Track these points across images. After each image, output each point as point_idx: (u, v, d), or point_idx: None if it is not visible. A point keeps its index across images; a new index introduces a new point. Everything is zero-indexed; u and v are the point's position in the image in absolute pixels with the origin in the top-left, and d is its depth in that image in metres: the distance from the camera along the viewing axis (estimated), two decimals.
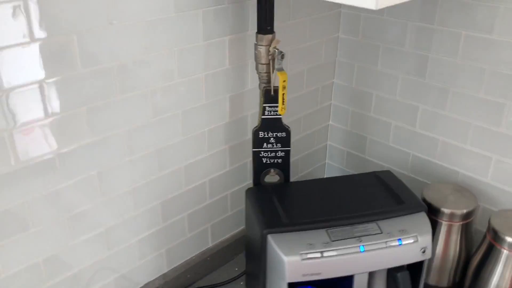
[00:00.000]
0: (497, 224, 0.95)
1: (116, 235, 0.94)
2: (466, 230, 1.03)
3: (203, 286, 1.11)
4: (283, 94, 0.96)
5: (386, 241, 0.86)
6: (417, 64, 1.10)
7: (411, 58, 1.10)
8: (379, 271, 0.93)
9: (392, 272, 0.88)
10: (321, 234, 0.86)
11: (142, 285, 1.04)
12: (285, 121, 0.98)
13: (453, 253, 1.03)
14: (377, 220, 0.89)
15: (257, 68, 0.97)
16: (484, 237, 0.99)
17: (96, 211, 0.89)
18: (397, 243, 0.86)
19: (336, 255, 0.84)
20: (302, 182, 1.04)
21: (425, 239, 0.88)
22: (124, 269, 0.99)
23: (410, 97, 1.14)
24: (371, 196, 0.96)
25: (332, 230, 0.87)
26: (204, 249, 1.14)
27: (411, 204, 0.93)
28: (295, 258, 0.83)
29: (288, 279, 0.84)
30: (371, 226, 0.88)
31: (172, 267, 1.09)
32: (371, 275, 0.95)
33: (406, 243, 0.86)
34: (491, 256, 0.96)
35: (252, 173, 1.03)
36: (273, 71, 0.96)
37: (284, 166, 1.04)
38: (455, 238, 1.02)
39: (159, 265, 1.06)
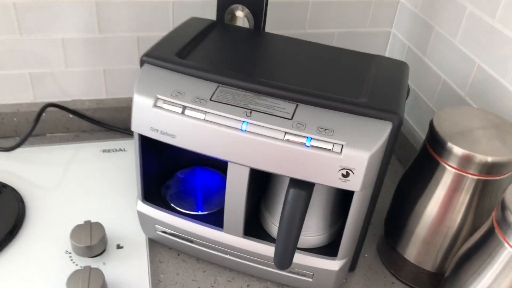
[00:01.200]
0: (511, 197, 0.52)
1: (28, 18, 0.78)
2: (488, 192, 0.61)
3: None
4: None
5: (287, 132, 0.53)
6: None
7: None
8: (281, 179, 0.61)
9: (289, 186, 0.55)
10: (206, 88, 0.57)
11: (69, 99, 0.88)
12: None
13: (454, 222, 0.63)
14: (303, 103, 0.55)
15: None
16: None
17: None
18: (303, 141, 0.52)
19: (202, 120, 0.54)
20: (276, 35, 0.71)
21: (357, 156, 0.51)
22: (45, 67, 0.83)
23: None
24: (341, 79, 0.60)
25: (226, 89, 0.57)
26: None
27: (382, 106, 0.55)
28: (147, 101, 0.56)
29: (134, 126, 0.58)
30: (285, 106, 0.55)
31: (113, 97, 0.90)
32: (274, 182, 0.63)
33: (318, 147, 0.52)
34: (488, 246, 0.54)
35: (216, 4, 0.74)
36: None
37: (256, 6, 0.73)
38: (466, 199, 0.61)
39: (95, 86, 0.88)
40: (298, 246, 0.61)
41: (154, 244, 0.72)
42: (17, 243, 0.70)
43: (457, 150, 0.58)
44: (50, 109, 0.86)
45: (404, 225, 0.67)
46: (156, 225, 0.67)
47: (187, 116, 0.55)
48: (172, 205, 0.67)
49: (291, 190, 0.53)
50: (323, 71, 0.61)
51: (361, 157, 0.51)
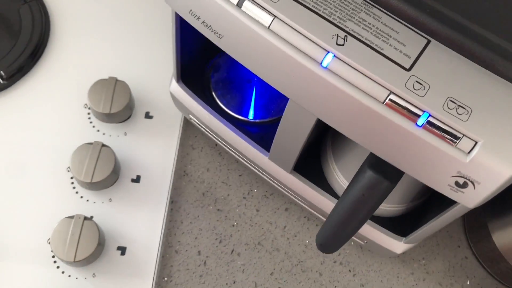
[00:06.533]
0: None
1: None
2: None
3: None
4: None
5: (393, 93, 0.31)
6: None
7: None
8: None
9: (369, 162, 0.36)
10: None
11: None
12: None
13: None
14: (441, 41, 0.32)
15: None
16: None
17: None
18: (415, 116, 0.31)
19: (264, 28, 0.33)
20: None
21: (493, 168, 0.30)
22: None
23: None
24: None
25: None
26: None
27: None
28: None
29: (175, 4, 0.38)
30: (407, 39, 0.32)
31: None
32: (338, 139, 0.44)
33: (435, 132, 0.31)
34: None
35: None
36: None
37: None
38: None
39: None
40: None
41: (191, 124, 0.57)
42: (37, 72, 0.58)
43: None
44: None
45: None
46: (190, 116, 0.52)
47: (245, 14, 0.34)
48: (214, 95, 0.50)
49: (369, 173, 0.35)
50: None
51: (499, 172, 0.31)
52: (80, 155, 0.50)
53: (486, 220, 0.52)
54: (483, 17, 0.33)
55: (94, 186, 0.51)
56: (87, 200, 0.52)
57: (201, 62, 0.51)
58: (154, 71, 0.58)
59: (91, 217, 0.51)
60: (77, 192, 0.52)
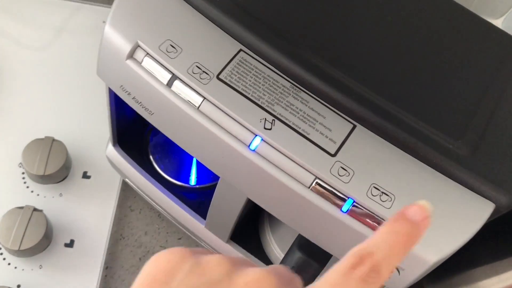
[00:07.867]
0: None
1: None
2: None
3: None
4: None
5: (318, 178, 0.32)
6: None
7: None
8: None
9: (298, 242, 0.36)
10: (219, 49, 0.34)
11: None
12: None
13: None
14: (365, 126, 0.33)
15: None
16: None
17: None
18: (340, 201, 0.32)
19: (194, 108, 0.33)
20: None
21: (415, 256, 0.31)
22: None
23: None
24: (451, 90, 0.36)
25: (250, 61, 0.34)
26: None
27: (491, 170, 0.33)
28: (121, 45, 0.34)
29: (100, 72, 0.38)
30: (333, 124, 0.33)
31: None
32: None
33: (359, 218, 0.31)
34: None
35: None
36: None
37: None
38: None
39: None
40: None
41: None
42: None
43: None
44: None
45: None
46: (126, 179, 0.50)
47: (175, 94, 0.33)
48: (151, 158, 0.49)
49: (298, 254, 0.34)
50: (430, 67, 0.36)
51: (423, 259, 0.31)
52: (9, 220, 0.48)
53: (423, 285, 0.53)
54: (407, 102, 0.34)
55: (23, 253, 0.48)
56: (15, 267, 0.49)
57: (139, 125, 0.51)
58: (92, 130, 0.57)
59: (19, 286, 0.48)
60: (4, 259, 0.50)
